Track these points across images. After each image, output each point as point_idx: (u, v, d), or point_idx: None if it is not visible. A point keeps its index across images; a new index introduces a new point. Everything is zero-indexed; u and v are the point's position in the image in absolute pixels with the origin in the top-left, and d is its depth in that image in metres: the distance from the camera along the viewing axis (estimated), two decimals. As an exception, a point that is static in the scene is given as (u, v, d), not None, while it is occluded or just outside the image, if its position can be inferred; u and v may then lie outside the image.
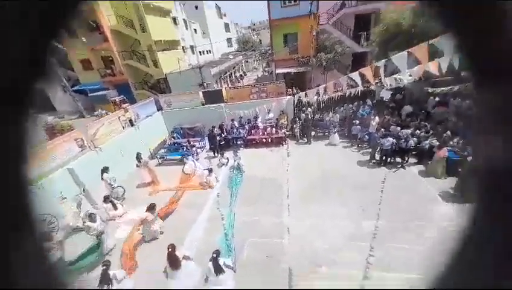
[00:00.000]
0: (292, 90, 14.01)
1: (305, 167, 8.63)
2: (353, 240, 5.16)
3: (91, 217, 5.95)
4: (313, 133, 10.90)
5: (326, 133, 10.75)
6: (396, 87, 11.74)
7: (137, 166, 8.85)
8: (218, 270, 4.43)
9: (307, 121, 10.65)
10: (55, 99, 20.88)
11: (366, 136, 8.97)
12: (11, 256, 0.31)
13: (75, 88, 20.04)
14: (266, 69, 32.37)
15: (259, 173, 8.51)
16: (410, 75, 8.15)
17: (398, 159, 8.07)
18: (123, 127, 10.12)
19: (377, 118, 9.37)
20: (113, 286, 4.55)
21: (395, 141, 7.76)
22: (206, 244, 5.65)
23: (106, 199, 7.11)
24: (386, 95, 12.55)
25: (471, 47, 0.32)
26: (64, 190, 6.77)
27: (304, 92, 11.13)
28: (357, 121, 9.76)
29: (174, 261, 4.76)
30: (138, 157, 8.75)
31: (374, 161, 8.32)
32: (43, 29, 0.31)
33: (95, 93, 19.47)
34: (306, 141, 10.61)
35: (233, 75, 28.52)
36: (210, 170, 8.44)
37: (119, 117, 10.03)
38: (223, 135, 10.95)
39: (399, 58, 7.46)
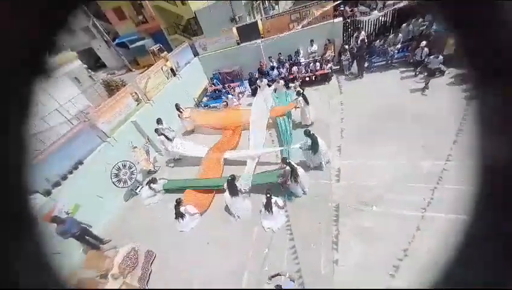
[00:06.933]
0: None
1: (357, 104, 7.78)
2: (410, 181, 4.87)
3: None
4: (366, 63, 9.26)
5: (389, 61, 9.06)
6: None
7: (178, 116, 9.31)
8: (269, 207, 4.93)
9: (360, 50, 8.91)
10: (103, 56, 22.38)
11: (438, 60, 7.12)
12: (11, 257, 0.31)
13: (116, 42, 20.72)
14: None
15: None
16: None
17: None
18: (167, 78, 10.44)
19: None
20: (186, 218, 5.58)
21: None
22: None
23: (157, 131, 7.74)
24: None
25: (472, 47, 0.31)
26: (133, 140, 7.88)
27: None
28: (424, 42, 7.71)
29: (233, 190, 5.43)
30: (177, 107, 9.14)
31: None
32: (43, 28, 0.30)
33: (134, 45, 19.89)
34: (358, 74, 9.21)
35: (266, 1, 24.48)
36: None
37: (161, 68, 10.24)
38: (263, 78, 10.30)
39: None
